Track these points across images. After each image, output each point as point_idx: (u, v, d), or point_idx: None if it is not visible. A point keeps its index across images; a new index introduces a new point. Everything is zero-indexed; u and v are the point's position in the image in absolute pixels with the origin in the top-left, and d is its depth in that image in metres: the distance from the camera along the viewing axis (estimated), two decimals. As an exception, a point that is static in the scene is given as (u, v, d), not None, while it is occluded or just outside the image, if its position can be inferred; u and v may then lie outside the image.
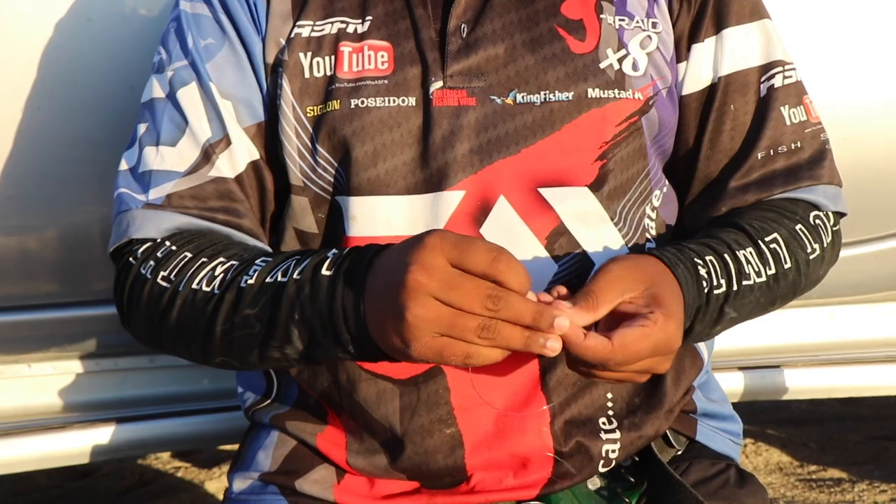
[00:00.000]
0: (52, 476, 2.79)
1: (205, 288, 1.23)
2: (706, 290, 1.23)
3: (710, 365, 1.50)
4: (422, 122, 1.29)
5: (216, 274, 1.23)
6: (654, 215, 1.38)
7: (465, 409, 1.30)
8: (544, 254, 1.30)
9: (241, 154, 1.34)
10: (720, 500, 1.37)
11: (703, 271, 1.23)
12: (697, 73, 1.37)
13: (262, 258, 1.23)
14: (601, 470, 1.34)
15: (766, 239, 1.30)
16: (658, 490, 1.34)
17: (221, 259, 1.24)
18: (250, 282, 1.20)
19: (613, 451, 1.33)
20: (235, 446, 1.54)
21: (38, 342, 1.85)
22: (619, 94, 1.31)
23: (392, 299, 1.08)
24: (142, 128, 1.35)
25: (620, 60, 1.32)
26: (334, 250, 1.18)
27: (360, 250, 1.16)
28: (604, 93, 1.30)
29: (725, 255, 1.26)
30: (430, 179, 1.29)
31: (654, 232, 1.38)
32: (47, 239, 1.75)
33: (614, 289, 1.14)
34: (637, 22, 1.34)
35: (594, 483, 1.37)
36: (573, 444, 1.31)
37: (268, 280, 1.19)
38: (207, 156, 1.32)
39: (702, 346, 1.43)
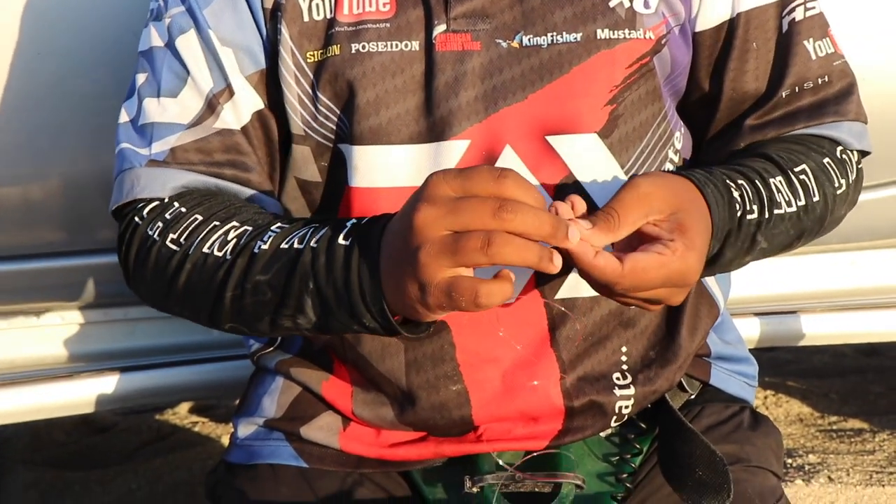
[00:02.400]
0: (69, 432, 2.78)
1: (216, 252, 1.20)
2: (738, 214, 1.19)
3: (727, 309, 1.47)
4: (424, 68, 1.26)
5: (229, 239, 1.20)
6: (676, 158, 1.35)
7: (471, 365, 1.28)
8: None
9: (246, 104, 1.30)
10: (732, 443, 1.36)
11: (735, 194, 1.19)
12: (712, 8, 1.31)
13: (278, 224, 1.20)
14: (613, 425, 1.32)
15: (796, 169, 1.26)
16: (669, 437, 1.32)
17: (234, 223, 1.22)
18: (264, 247, 1.17)
19: (626, 407, 1.31)
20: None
21: (45, 292, 1.85)
22: (629, 34, 1.26)
23: (404, 246, 1.05)
24: (140, 78, 1.32)
25: None
26: (353, 220, 1.15)
27: (376, 218, 1.13)
28: (613, 33, 1.26)
29: (757, 182, 1.23)
30: (434, 128, 1.26)
31: None
32: (52, 187, 1.73)
33: (639, 209, 1.10)
34: None
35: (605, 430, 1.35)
36: (585, 402, 1.29)
37: (282, 246, 1.16)
38: (212, 107, 1.29)
39: (717, 293, 1.39)
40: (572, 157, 1.27)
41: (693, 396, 1.40)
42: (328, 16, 1.28)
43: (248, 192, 1.29)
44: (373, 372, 1.31)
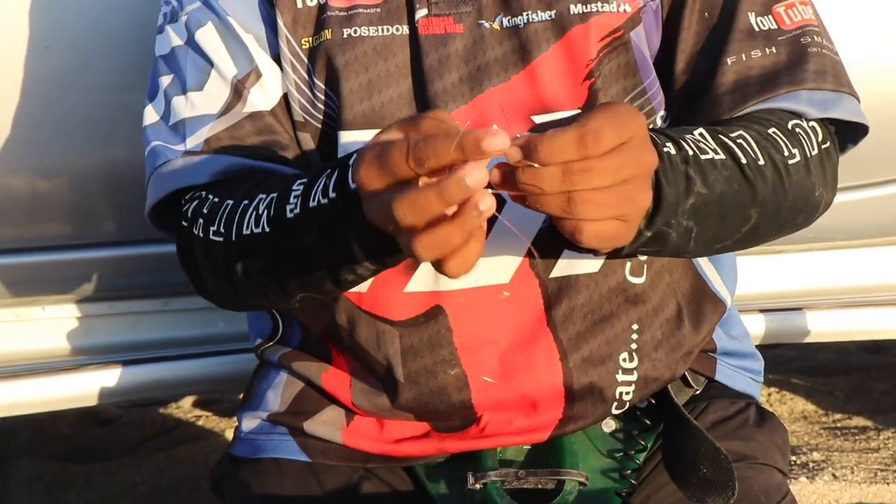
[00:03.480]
0: (73, 425, 2.79)
1: (255, 230, 1.18)
2: (659, 148, 1.09)
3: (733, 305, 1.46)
4: (410, 51, 1.26)
5: (261, 212, 1.18)
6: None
7: (468, 348, 1.27)
8: None
9: (273, 85, 1.30)
10: (738, 440, 1.35)
11: (652, 135, 1.08)
12: None
13: (299, 181, 1.17)
14: (614, 412, 1.31)
15: (730, 134, 1.18)
16: (674, 434, 1.31)
17: (261, 196, 1.20)
18: (296, 211, 1.14)
19: (627, 393, 1.29)
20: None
21: (51, 284, 1.84)
22: (602, 7, 1.25)
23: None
24: (165, 80, 1.32)
25: None
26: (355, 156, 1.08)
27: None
28: (586, 6, 1.25)
29: (668, 132, 1.15)
30: (424, 111, 1.23)
31: None
32: (59, 181, 1.73)
33: (613, 124, 0.98)
34: None
35: (609, 425, 1.35)
36: (585, 384, 1.27)
37: (311, 204, 1.13)
38: (238, 92, 1.29)
39: (722, 291, 1.38)
40: None
41: (698, 392, 1.39)
42: (320, 2, 1.29)
43: (286, 170, 1.28)
44: (370, 359, 1.30)
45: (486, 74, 1.25)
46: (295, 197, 1.15)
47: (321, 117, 1.30)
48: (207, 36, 1.31)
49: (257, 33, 1.31)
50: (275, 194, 1.18)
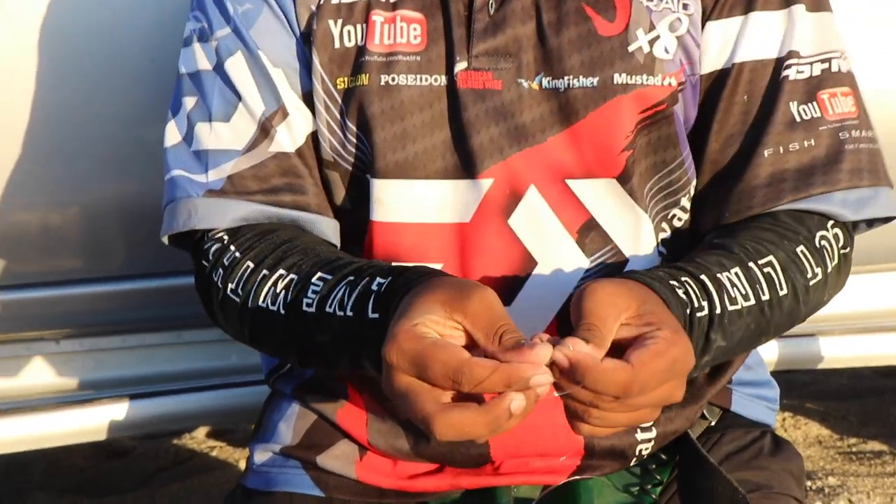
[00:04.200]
0: (87, 457, 2.76)
1: (270, 307, 1.19)
2: (688, 312, 1.11)
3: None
4: (448, 103, 1.25)
5: (278, 291, 1.19)
6: (689, 206, 1.32)
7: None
8: (576, 249, 1.25)
9: (300, 125, 1.29)
10: (753, 469, 1.34)
11: (680, 292, 1.11)
12: (709, 55, 1.26)
13: (319, 275, 1.17)
14: (631, 465, 1.31)
15: (760, 261, 1.18)
16: (690, 470, 1.31)
17: (281, 272, 1.19)
18: (311, 310, 1.15)
19: (646, 449, 1.30)
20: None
21: (64, 318, 1.83)
22: (647, 79, 1.23)
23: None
24: (189, 102, 1.30)
25: (651, 43, 1.24)
26: (378, 280, 1.12)
27: (397, 287, 1.10)
28: (631, 78, 1.23)
29: (703, 277, 1.14)
30: (459, 165, 1.25)
31: (684, 225, 1.31)
32: (69, 215, 1.73)
33: (610, 311, 1.02)
34: (666, 2, 1.25)
35: (625, 461, 1.35)
36: (606, 447, 1.28)
37: (327, 310, 1.14)
38: (265, 130, 1.27)
39: None
40: (592, 202, 1.25)
41: (713, 423, 1.38)
42: (359, 43, 1.26)
43: (308, 216, 1.27)
44: (388, 403, 1.29)
45: (524, 134, 1.24)
46: (314, 293, 1.15)
47: (352, 160, 1.28)
48: (237, 67, 1.28)
49: (287, 70, 1.28)
50: (294, 277, 1.18)
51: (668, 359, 1.00)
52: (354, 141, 1.27)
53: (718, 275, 1.15)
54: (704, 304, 1.13)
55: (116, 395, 1.84)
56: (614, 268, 1.25)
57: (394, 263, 1.18)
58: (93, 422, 1.81)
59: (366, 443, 1.33)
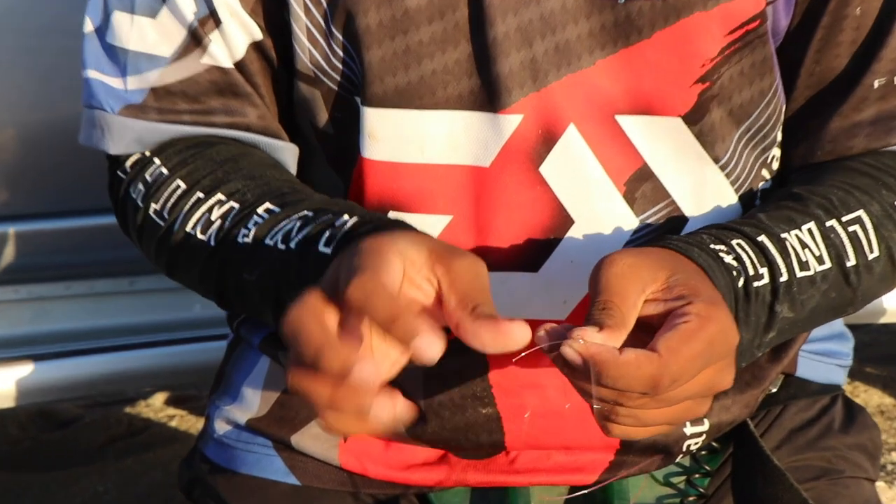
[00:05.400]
0: (24, 426, 2.79)
1: (199, 236, 1.17)
2: (742, 282, 1.08)
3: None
4: (469, 13, 1.16)
5: (212, 219, 1.16)
6: (777, 155, 1.27)
7: (505, 388, 1.21)
8: (622, 204, 1.20)
9: (236, 35, 1.21)
10: (820, 450, 1.32)
11: (728, 258, 1.09)
12: None
13: (266, 206, 1.15)
14: (677, 461, 1.28)
15: (845, 217, 1.16)
16: (747, 466, 1.28)
17: (219, 197, 1.17)
18: (247, 240, 1.13)
19: (696, 444, 1.26)
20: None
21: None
22: None
23: None
24: None
25: None
26: (345, 217, 1.09)
27: (355, 233, 1.08)
28: None
29: (762, 238, 1.11)
30: (479, 94, 1.17)
31: (774, 172, 1.27)
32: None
33: (632, 285, 0.99)
34: None
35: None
36: (647, 441, 1.23)
37: (266, 242, 1.12)
38: (196, 37, 1.21)
39: None
40: (648, 146, 1.19)
41: (773, 391, 1.33)
42: None
43: (250, 137, 1.23)
44: None
45: (566, 56, 1.16)
46: (255, 225, 1.14)
47: (338, 78, 1.21)
48: None
49: None
50: (235, 206, 1.16)
51: (703, 340, 0.97)
52: (342, 55, 1.21)
53: (784, 234, 1.12)
54: (764, 270, 1.10)
55: (58, 352, 1.84)
56: (669, 229, 1.20)
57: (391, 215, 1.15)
58: (30, 383, 1.81)
59: (351, 416, 1.29)
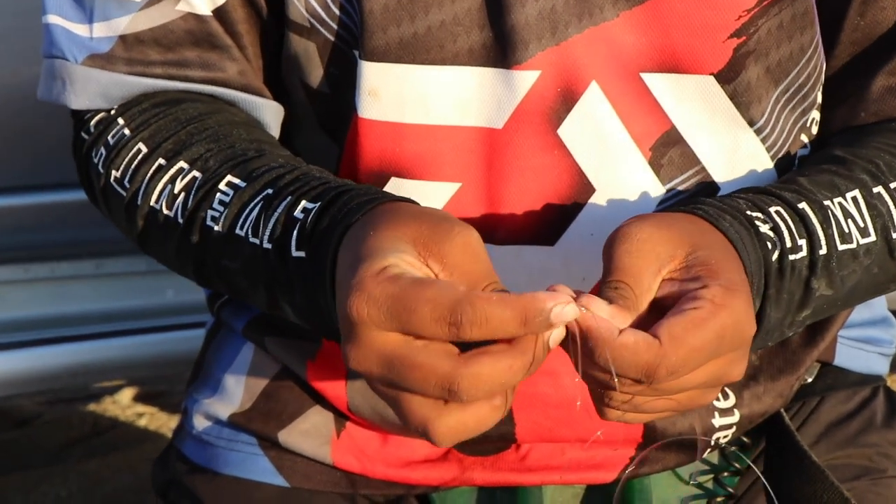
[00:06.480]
0: (-25, 425, 2.78)
1: (165, 211, 1.15)
2: (776, 255, 1.06)
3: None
4: None
5: (176, 192, 1.15)
6: (817, 118, 1.27)
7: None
8: (647, 170, 1.19)
9: None
10: (861, 446, 1.32)
11: (765, 227, 1.07)
12: None
13: (228, 180, 1.13)
14: (705, 456, 1.28)
15: (893, 185, 1.14)
16: (782, 463, 1.28)
17: (181, 164, 1.16)
18: (217, 228, 1.12)
19: (725, 437, 1.26)
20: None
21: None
22: None
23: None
24: None
25: None
26: (304, 203, 1.07)
27: (328, 228, 1.04)
28: None
29: (802, 206, 1.09)
30: (491, 48, 1.16)
31: (812, 137, 1.26)
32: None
33: (647, 266, 0.98)
34: None
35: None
36: (673, 433, 1.24)
37: (237, 232, 1.10)
38: None
39: None
40: (677, 107, 1.18)
41: (809, 381, 1.33)
42: None
43: (228, 93, 1.23)
44: None
45: (587, 7, 1.15)
46: (221, 204, 1.12)
47: (335, 27, 1.20)
48: None
49: None
50: (198, 175, 1.14)
51: (711, 330, 0.94)
52: (341, 1, 1.19)
53: (827, 202, 1.11)
54: (802, 242, 1.08)
55: (15, 342, 1.87)
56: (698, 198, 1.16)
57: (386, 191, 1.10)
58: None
59: (345, 408, 1.27)
